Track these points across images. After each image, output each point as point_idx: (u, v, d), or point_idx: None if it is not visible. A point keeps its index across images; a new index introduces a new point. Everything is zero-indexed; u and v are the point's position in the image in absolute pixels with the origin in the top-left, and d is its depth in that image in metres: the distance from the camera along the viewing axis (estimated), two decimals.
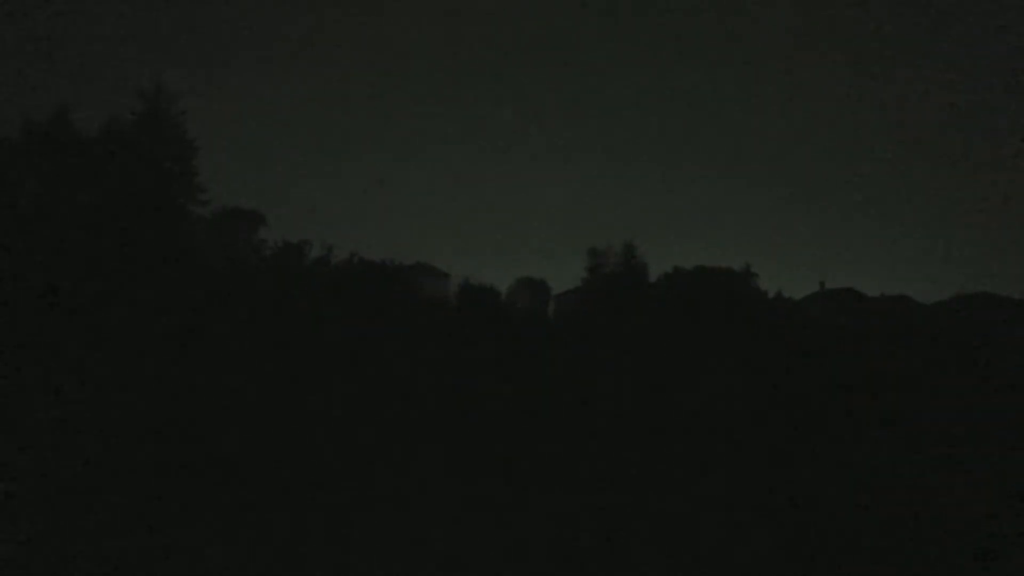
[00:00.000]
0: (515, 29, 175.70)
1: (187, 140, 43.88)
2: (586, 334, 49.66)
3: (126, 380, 31.96)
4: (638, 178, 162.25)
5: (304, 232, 53.12)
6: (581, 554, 8.90)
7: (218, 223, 44.23)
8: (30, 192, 42.97)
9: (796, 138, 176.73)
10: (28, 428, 22.16)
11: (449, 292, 52.24)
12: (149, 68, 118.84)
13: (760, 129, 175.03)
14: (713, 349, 46.72)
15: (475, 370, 41.80)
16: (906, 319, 66.91)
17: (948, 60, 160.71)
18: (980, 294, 72.00)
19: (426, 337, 45.50)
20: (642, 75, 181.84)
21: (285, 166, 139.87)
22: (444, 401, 36.66)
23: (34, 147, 42.36)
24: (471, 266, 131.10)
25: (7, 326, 35.29)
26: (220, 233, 44.28)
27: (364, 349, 41.72)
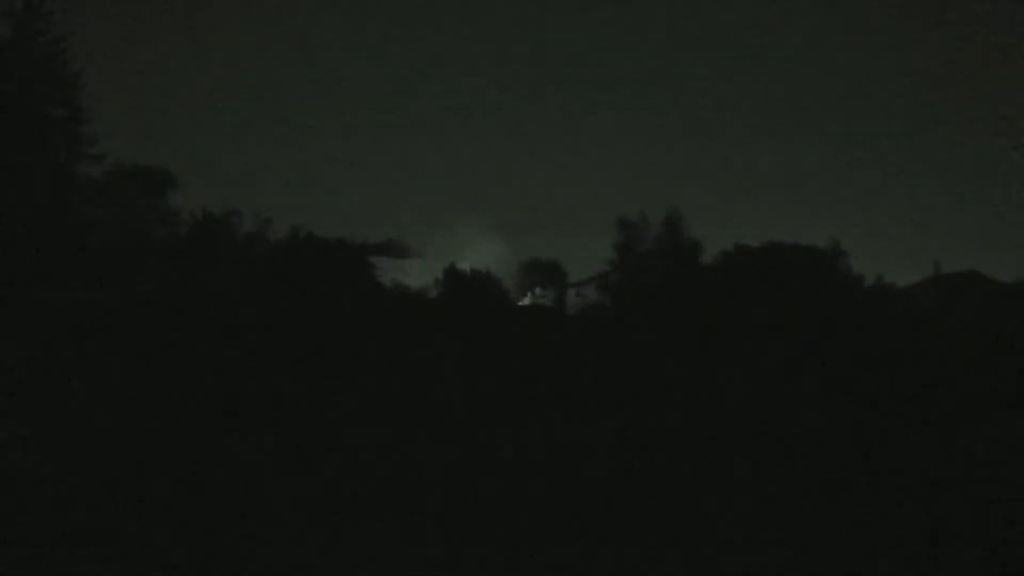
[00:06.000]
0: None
1: (70, 75, 35.78)
2: (617, 336, 43.69)
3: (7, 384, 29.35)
4: (684, 130, 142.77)
5: (232, 200, 45.27)
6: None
7: (114, 186, 37.36)
8: None
9: (897, 86, 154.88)
10: None
11: (426, 277, 45.70)
12: None
13: (852, 69, 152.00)
14: (790, 353, 41.51)
15: (465, 377, 37.86)
16: None
17: None
18: None
19: (395, 335, 39.83)
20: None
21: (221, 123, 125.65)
22: (426, 418, 33.59)
23: None
24: (457, 245, 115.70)
25: None
26: (116, 199, 37.33)
27: (309, 347, 37.10)
